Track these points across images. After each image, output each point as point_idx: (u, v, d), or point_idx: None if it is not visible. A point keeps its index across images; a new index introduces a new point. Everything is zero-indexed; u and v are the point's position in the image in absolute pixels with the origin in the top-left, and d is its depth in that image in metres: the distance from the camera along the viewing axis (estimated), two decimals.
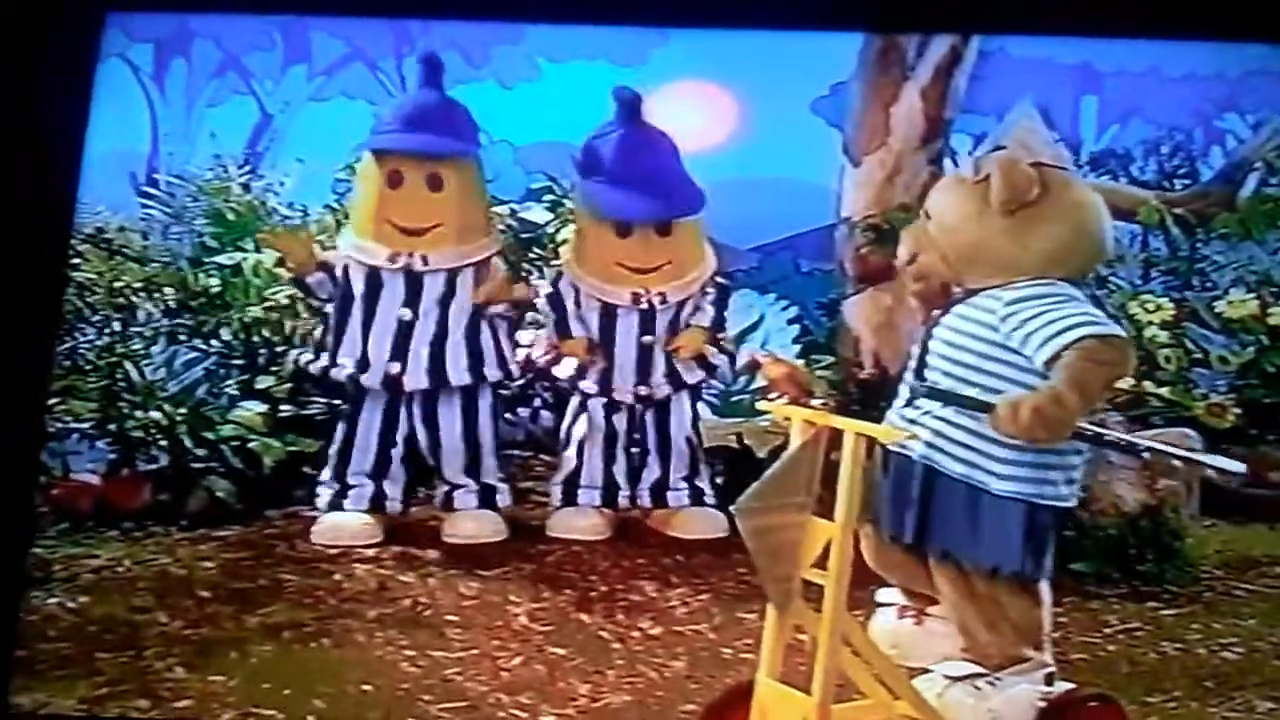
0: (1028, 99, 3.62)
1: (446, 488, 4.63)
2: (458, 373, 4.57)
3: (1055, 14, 4.32)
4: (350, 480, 4.59)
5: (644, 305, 4.56)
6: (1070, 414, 3.23)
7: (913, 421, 3.40)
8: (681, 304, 4.60)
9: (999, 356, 3.33)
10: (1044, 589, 3.43)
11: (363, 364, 4.53)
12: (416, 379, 4.54)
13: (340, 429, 4.61)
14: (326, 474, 4.60)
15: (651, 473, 4.67)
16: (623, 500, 4.66)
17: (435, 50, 4.70)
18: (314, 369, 4.60)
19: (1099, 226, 3.49)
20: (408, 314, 4.52)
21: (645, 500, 4.67)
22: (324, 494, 4.59)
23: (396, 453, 4.60)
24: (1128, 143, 5.86)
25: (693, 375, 4.64)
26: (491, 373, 4.61)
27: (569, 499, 4.64)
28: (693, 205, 4.58)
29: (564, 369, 4.64)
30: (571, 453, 4.66)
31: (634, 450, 4.66)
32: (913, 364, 3.51)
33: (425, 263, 4.51)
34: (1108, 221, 3.53)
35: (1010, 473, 3.32)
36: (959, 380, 3.38)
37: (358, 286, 4.53)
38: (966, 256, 3.45)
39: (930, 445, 3.38)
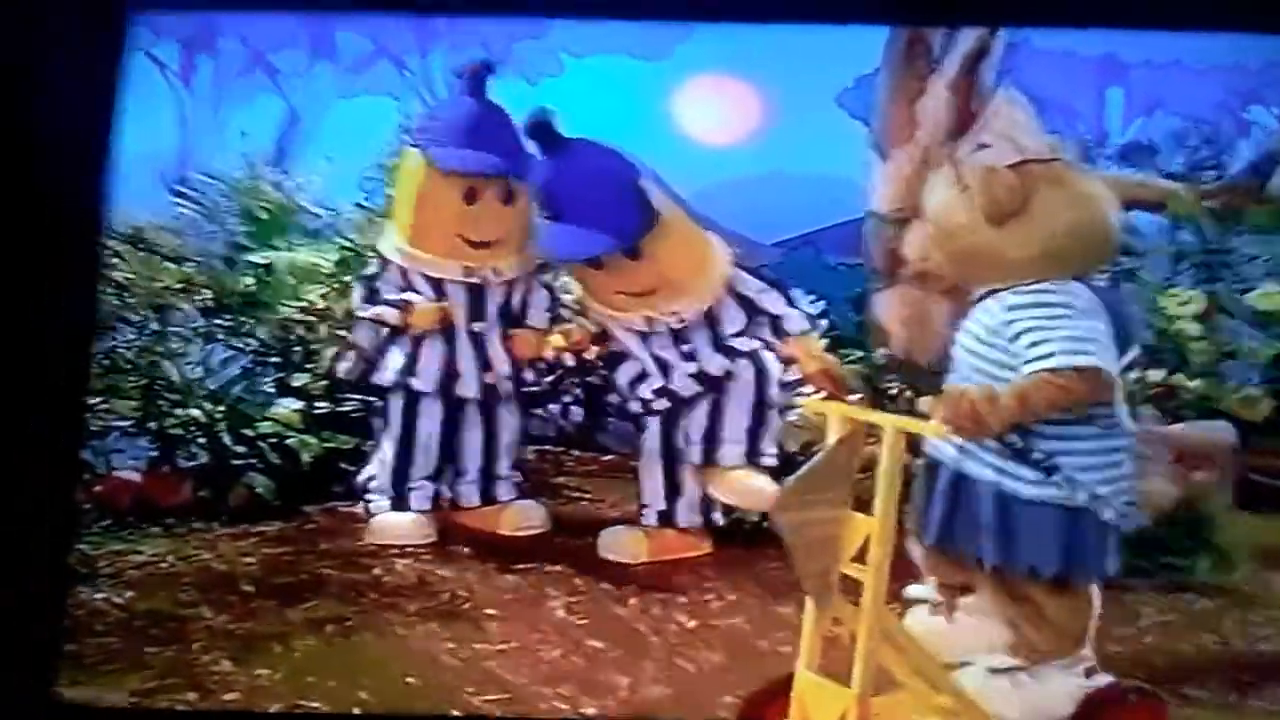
0: (1009, 86, 3.64)
1: (483, 482, 4.75)
2: (530, 375, 4.74)
3: (1079, 5, 4.44)
4: (413, 484, 4.69)
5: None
6: (998, 419, 3.29)
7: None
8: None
9: (1003, 361, 3.37)
10: (1094, 591, 3.49)
11: (452, 375, 4.64)
12: (505, 386, 4.70)
13: (394, 434, 4.69)
14: (382, 480, 4.70)
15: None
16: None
17: (460, 47, 4.83)
18: (385, 381, 4.68)
19: (1100, 219, 3.47)
20: (480, 326, 4.65)
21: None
22: (380, 499, 4.70)
23: (453, 451, 4.71)
24: (1154, 135, 5.90)
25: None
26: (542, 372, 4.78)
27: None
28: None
29: None
30: None
31: None
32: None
33: (496, 274, 4.65)
34: (1111, 211, 3.50)
35: (1042, 478, 3.36)
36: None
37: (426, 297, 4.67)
38: (968, 263, 3.49)
39: (961, 450, 3.42)
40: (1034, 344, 3.29)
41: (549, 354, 4.73)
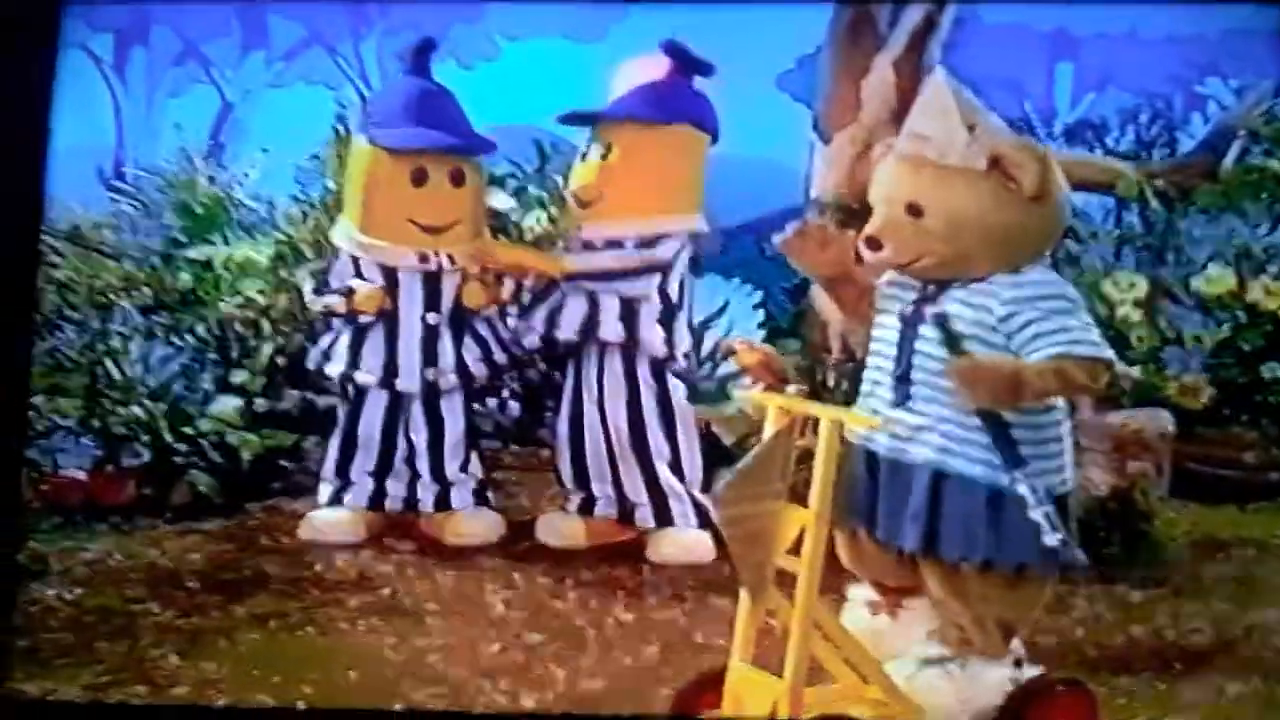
0: (939, 73, 3.65)
1: (437, 486, 4.93)
2: (478, 369, 4.92)
3: None
4: (353, 477, 4.89)
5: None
6: (1034, 391, 3.36)
7: (920, 428, 3.49)
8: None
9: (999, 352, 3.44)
10: (1045, 586, 3.60)
11: (392, 370, 4.80)
12: (448, 380, 4.87)
13: (340, 427, 4.90)
14: (328, 469, 4.90)
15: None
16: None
17: (395, 32, 5.05)
18: (331, 371, 4.85)
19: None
20: (434, 317, 4.82)
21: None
22: (324, 490, 4.91)
23: (400, 451, 4.89)
24: (1104, 111, 6.11)
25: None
26: (500, 361, 4.98)
27: None
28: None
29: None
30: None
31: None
32: (891, 360, 3.56)
33: (452, 262, 4.80)
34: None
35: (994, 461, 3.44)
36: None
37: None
38: (987, 248, 3.48)
39: (944, 450, 3.47)
40: (1056, 329, 3.40)
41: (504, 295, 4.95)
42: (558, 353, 4.95)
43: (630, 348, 4.83)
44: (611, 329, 4.79)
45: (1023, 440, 3.45)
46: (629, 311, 4.80)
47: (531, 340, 4.90)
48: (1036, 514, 3.38)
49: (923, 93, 3.64)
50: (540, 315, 4.86)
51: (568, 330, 4.82)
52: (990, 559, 3.49)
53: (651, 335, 4.82)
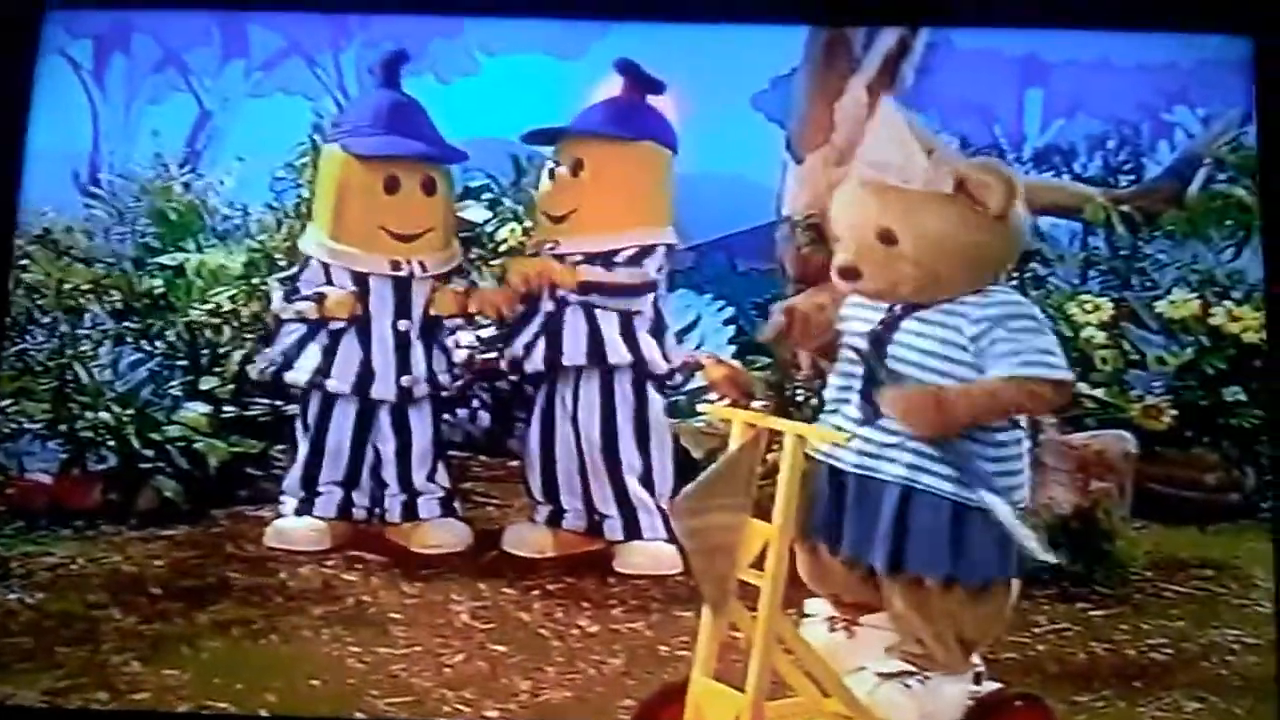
0: (888, 102, 3.70)
1: (405, 496, 4.85)
2: (448, 379, 4.89)
3: (1004, 3, 4.64)
4: (320, 488, 4.83)
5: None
6: (964, 413, 3.37)
7: (889, 445, 3.45)
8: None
9: (963, 375, 3.41)
10: (1008, 601, 3.56)
11: (366, 377, 4.75)
12: (421, 388, 4.82)
13: (307, 436, 4.83)
14: (293, 481, 4.84)
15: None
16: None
17: (374, 44, 5.05)
18: (298, 380, 4.79)
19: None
20: (405, 324, 4.78)
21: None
22: (289, 501, 4.84)
23: (367, 460, 4.83)
24: (1073, 137, 6.05)
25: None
26: (458, 376, 4.94)
27: None
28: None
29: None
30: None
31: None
32: (859, 379, 3.51)
33: (423, 269, 4.78)
34: None
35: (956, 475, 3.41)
36: None
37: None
38: (959, 269, 3.47)
39: (912, 466, 3.43)
40: (1010, 352, 3.37)
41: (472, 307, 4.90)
42: (554, 375, 4.86)
43: (627, 367, 4.78)
44: (617, 352, 4.75)
45: (985, 457, 3.42)
46: (628, 328, 4.77)
47: (534, 364, 4.81)
48: (1011, 522, 3.36)
49: (874, 121, 3.63)
50: (538, 337, 4.80)
51: (574, 355, 4.76)
52: (953, 575, 3.44)
53: (652, 352, 4.79)
